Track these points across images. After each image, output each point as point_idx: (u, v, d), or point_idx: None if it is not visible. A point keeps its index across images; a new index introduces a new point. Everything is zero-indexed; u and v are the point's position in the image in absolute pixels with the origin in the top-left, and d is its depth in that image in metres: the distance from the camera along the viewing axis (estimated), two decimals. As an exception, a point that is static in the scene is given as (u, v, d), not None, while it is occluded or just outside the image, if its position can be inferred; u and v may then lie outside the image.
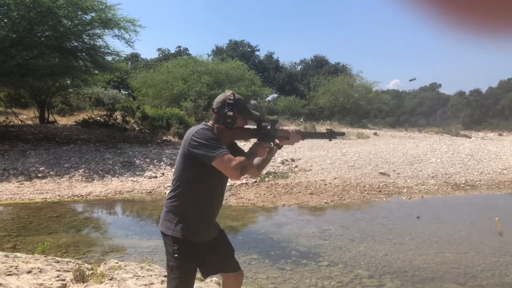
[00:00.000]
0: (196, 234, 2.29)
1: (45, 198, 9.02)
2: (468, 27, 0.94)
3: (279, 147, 2.47)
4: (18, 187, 9.58)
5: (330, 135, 2.55)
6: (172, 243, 2.26)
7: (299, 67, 60.68)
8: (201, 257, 2.34)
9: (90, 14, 13.89)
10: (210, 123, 2.38)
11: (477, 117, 57.10)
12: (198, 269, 2.45)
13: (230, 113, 2.31)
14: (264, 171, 12.16)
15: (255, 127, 2.48)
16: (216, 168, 2.19)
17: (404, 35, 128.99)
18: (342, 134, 2.80)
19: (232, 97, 2.35)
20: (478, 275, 5.18)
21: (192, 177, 2.26)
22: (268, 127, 2.45)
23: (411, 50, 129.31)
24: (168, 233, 2.28)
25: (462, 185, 11.73)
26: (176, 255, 2.25)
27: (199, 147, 2.19)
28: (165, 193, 9.89)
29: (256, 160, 2.43)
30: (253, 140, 2.50)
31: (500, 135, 37.17)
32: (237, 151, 2.43)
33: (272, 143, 2.45)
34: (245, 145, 2.99)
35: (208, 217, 2.35)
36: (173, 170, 2.56)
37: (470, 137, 28.28)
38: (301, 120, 32.46)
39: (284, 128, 2.59)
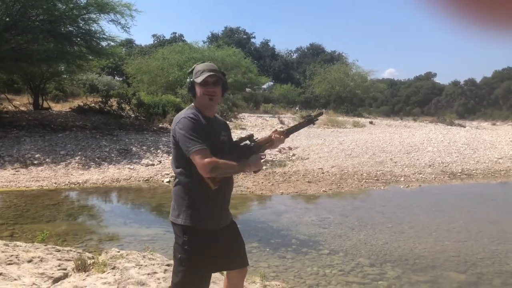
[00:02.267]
0: (206, 221, 2.19)
1: (42, 185, 8.93)
2: (465, 18, 0.93)
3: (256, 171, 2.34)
4: (14, 174, 9.47)
5: (310, 121, 2.53)
6: (182, 233, 2.18)
7: (295, 55, 60.58)
8: (211, 250, 2.22)
9: (85, -3, 13.64)
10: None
11: (471, 106, 57.39)
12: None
13: (188, 84, 2.29)
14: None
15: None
16: (213, 152, 2.12)
17: (400, 24, 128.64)
18: (320, 114, 2.73)
19: (191, 68, 2.31)
20: (478, 263, 5.20)
21: (190, 163, 2.14)
22: (249, 143, 2.36)
23: (406, 39, 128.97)
24: (177, 222, 2.20)
25: (459, 174, 11.77)
26: (186, 247, 2.16)
27: (180, 139, 2.13)
28: (162, 181, 9.82)
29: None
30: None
31: (494, 124, 37.47)
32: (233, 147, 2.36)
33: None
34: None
35: (215, 202, 2.23)
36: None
37: (464, 127, 28.45)
38: (297, 108, 32.38)
39: (261, 138, 2.44)
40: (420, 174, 11.44)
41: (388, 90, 55.32)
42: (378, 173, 11.28)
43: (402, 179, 10.84)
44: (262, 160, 2.34)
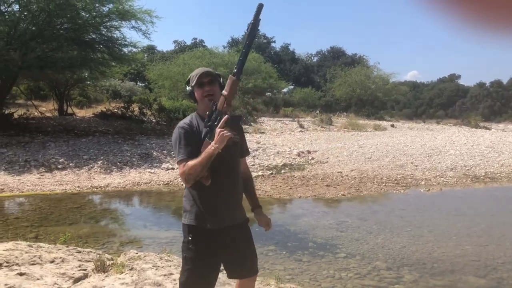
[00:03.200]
0: (210, 220, 2.22)
1: (65, 189, 9.18)
2: (486, 23, 0.93)
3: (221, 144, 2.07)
4: (39, 178, 9.77)
5: (253, 28, 2.12)
6: (188, 232, 2.25)
7: (315, 59, 60.33)
8: (217, 250, 2.25)
9: (107, 5, 14.01)
10: None
11: (497, 108, 55.98)
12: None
13: (188, 92, 2.35)
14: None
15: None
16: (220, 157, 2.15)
17: (423, 25, 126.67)
18: (260, 7, 2.08)
19: (188, 78, 2.35)
20: (499, 268, 5.10)
21: None
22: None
23: (429, 40, 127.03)
24: (184, 222, 2.28)
25: (482, 178, 11.53)
26: (191, 246, 2.22)
27: (173, 148, 2.29)
28: (182, 184, 9.97)
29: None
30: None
31: (522, 126, 36.38)
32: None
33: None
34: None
35: (219, 201, 2.24)
36: None
37: (490, 129, 27.78)
38: (317, 111, 32.24)
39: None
40: (442, 177, 11.25)
41: (410, 92, 54.49)
42: (398, 176, 11.16)
43: (422, 182, 10.69)
44: (225, 130, 2.06)
